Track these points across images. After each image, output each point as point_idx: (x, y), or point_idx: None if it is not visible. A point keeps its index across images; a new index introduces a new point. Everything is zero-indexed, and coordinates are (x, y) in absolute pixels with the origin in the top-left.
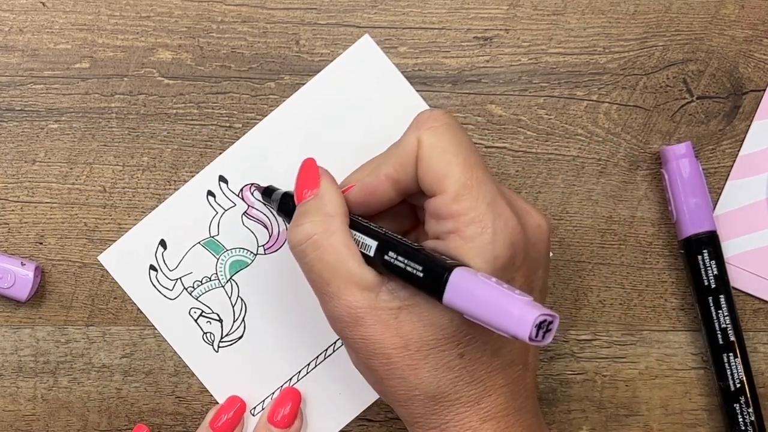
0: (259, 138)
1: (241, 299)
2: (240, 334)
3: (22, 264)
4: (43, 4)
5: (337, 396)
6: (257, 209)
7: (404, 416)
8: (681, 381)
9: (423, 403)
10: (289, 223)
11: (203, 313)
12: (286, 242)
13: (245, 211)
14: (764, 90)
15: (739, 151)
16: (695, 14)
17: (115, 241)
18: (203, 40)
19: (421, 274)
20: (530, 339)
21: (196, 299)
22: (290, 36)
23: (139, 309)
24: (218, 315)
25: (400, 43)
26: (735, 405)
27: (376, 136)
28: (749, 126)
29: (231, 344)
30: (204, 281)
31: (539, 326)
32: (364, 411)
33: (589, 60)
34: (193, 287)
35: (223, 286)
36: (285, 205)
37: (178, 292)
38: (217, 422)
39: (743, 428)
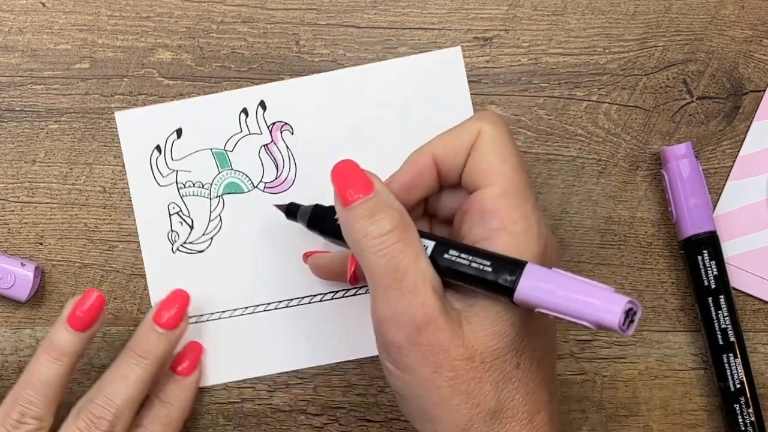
0: (313, 86)
1: (220, 218)
2: (203, 248)
3: (22, 264)
4: (43, 4)
5: (261, 349)
6: (278, 148)
7: None
8: (681, 381)
9: (482, 422)
10: (327, 238)
11: (180, 212)
12: (286, 189)
13: (266, 144)
14: (764, 90)
15: (739, 151)
16: (695, 15)
17: (115, 241)
18: (203, 40)
19: (489, 269)
20: (619, 326)
21: (181, 197)
22: (290, 36)
23: (138, 310)
24: (192, 221)
25: (400, 43)
26: (735, 405)
27: (416, 143)
28: (749, 126)
29: (190, 253)
30: (197, 185)
31: (626, 314)
32: (363, 411)
33: (589, 60)
34: (184, 185)
35: (210, 198)
36: (317, 218)
37: (169, 182)
38: (161, 318)
39: (743, 429)
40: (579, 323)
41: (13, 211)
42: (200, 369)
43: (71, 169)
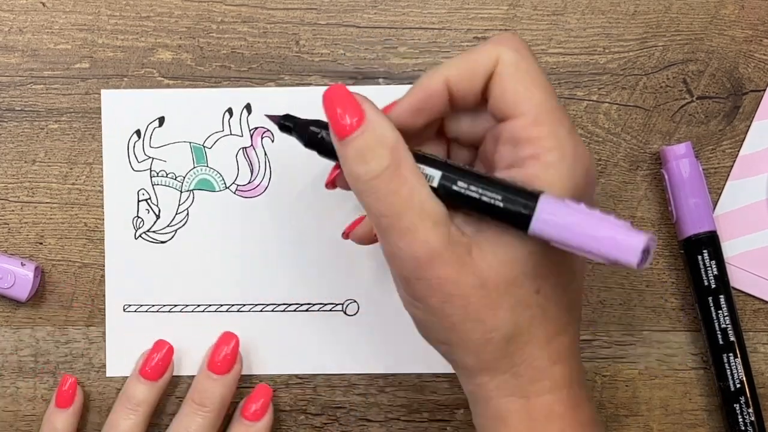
0: (302, 97)
1: (188, 213)
2: (165, 240)
3: (22, 264)
4: (43, 4)
5: (202, 349)
6: (256, 153)
7: (469, 364)
8: (681, 381)
9: (497, 347)
10: (332, 158)
11: (149, 200)
12: (258, 194)
13: (245, 147)
14: (764, 90)
15: (739, 151)
16: (695, 14)
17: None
18: (203, 40)
19: (501, 204)
20: (637, 266)
21: (153, 185)
22: (290, 36)
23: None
24: (159, 210)
25: (400, 43)
26: (735, 405)
27: None
28: (749, 126)
29: (152, 242)
30: (170, 176)
31: (643, 252)
32: (363, 411)
33: (589, 60)
34: (157, 173)
35: (181, 191)
36: (315, 138)
37: (143, 168)
38: (214, 364)
39: (743, 428)
40: (594, 259)
41: (13, 210)
42: (271, 413)
43: (71, 169)
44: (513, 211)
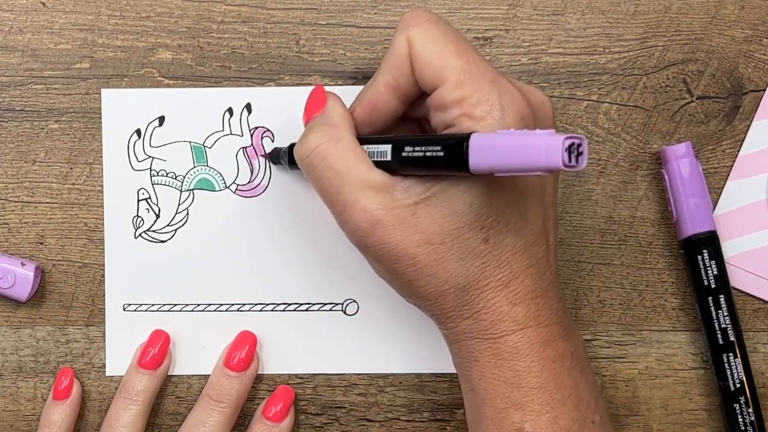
0: (302, 97)
1: (188, 212)
2: (165, 239)
3: (23, 264)
4: (43, 4)
5: (203, 348)
6: (257, 153)
7: (435, 313)
8: (681, 381)
9: (454, 296)
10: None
11: (149, 199)
12: (258, 194)
13: (246, 147)
14: (764, 90)
15: (739, 151)
16: (695, 14)
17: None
18: (203, 40)
19: (441, 153)
20: (565, 165)
21: (153, 184)
22: (290, 36)
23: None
24: (159, 209)
25: None
26: (735, 405)
27: None
28: (749, 126)
29: (152, 241)
30: (170, 175)
31: (570, 150)
32: (363, 411)
33: (589, 60)
34: (157, 173)
35: (181, 191)
36: (282, 154)
37: (143, 167)
38: (232, 361)
39: (743, 428)
40: (535, 175)
41: (13, 210)
42: (292, 415)
43: (71, 168)
44: (453, 155)
